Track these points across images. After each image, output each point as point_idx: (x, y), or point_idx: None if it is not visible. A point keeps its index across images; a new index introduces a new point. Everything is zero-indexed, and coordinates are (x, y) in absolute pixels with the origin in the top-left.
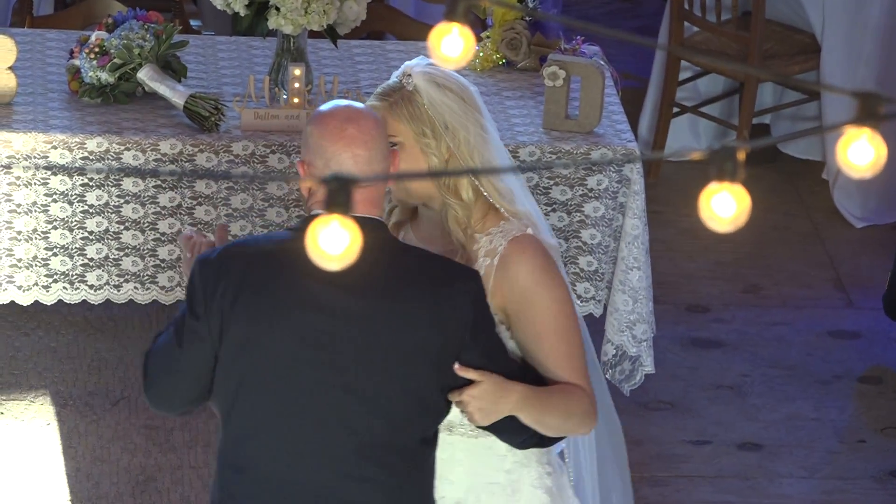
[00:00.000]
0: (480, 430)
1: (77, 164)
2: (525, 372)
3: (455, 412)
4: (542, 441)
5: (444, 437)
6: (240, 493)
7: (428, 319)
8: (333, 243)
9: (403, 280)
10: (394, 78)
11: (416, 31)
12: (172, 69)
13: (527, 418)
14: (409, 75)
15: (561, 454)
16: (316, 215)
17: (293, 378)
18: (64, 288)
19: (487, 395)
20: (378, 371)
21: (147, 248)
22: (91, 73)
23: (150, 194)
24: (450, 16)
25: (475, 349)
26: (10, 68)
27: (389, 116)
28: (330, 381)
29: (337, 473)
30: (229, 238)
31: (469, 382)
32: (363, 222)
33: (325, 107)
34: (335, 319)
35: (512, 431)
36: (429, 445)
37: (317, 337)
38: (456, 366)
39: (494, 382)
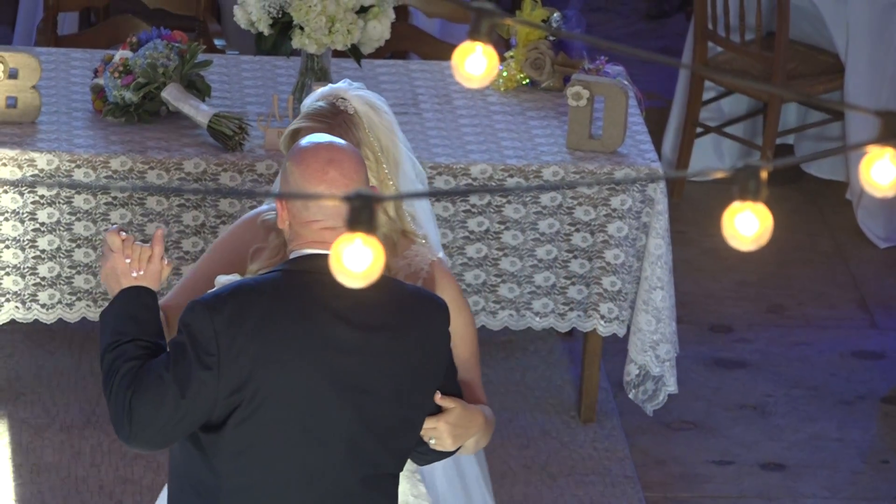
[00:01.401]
0: None
1: (101, 183)
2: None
3: None
4: (442, 456)
5: None
6: None
7: (421, 350)
8: (358, 261)
9: (398, 312)
10: (318, 101)
11: (439, 51)
12: (196, 88)
13: (475, 439)
14: (344, 98)
15: None
16: (300, 257)
17: (314, 419)
18: (87, 306)
19: (461, 420)
20: (386, 404)
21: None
22: (115, 92)
23: (173, 213)
24: (473, 35)
25: (451, 377)
26: (34, 87)
27: None
28: (347, 418)
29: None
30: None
31: (437, 410)
32: None
33: (305, 143)
34: (348, 356)
35: (424, 450)
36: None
37: (333, 375)
38: (438, 395)
39: (464, 407)
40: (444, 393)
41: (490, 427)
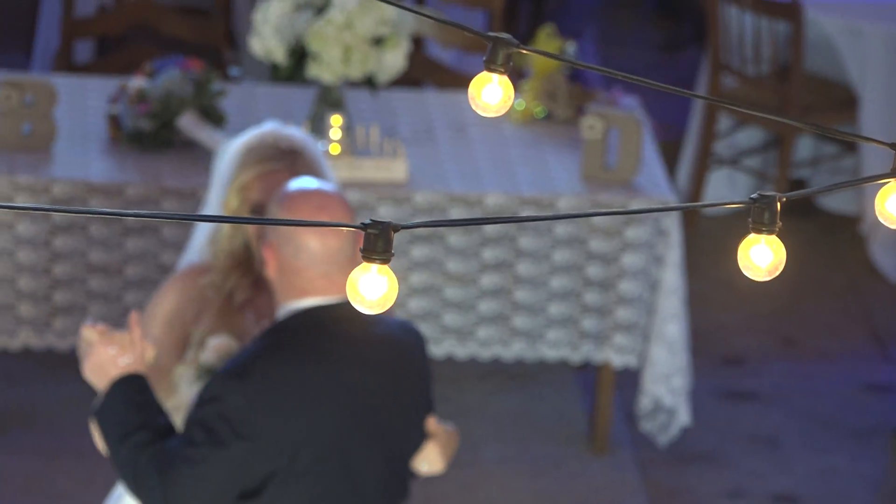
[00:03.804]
0: None
1: (116, 210)
2: None
3: None
4: None
5: None
6: None
7: (419, 379)
8: (373, 289)
9: (395, 348)
10: (259, 147)
11: (454, 81)
12: (211, 117)
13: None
14: (285, 137)
15: None
16: (301, 311)
17: (349, 464)
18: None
19: (448, 441)
20: (404, 436)
21: None
22: (131, 121)
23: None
24: (490, 65)
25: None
26: (50, 115)
27: (290, 178)
28: (377, 457)
29: None
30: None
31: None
32: (348, 307)
33: (293, 188)
34: (368, 397)
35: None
36: None
37: (359, 419)
38: (431, 422)
39: (444, 429)
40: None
41: None
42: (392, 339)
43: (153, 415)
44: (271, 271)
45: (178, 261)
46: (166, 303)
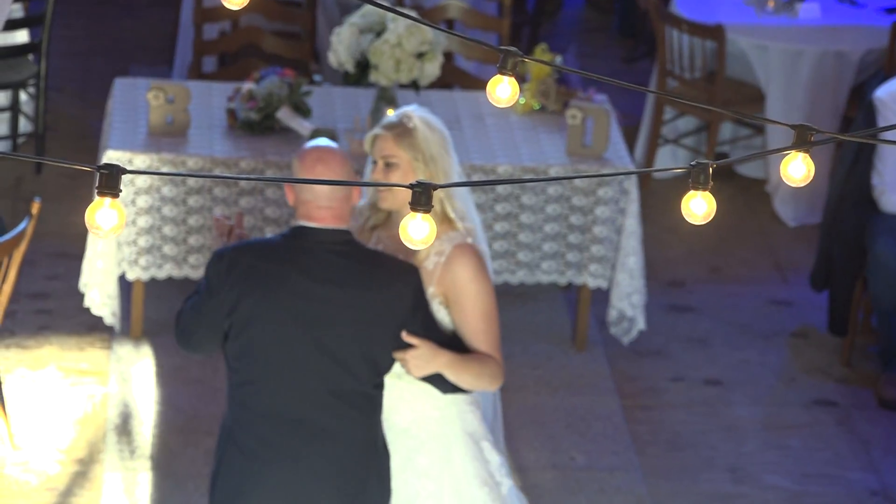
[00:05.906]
0: (421, 380)
1: (232, 175)
2: (453, 341)
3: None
4: (461, 390)
5: (393, 383)
6: (246, 421)
7: (379, 302)
8: (418, 231)
9: (363, 274)
10: (394, 117)
11: (475, 84)
12: (301, 110)
13: (450, 375)
14: (410, 117)
15: None
16: (299, 226)
17: (284, 342)
18: None
19: (423, 356)
20: (343, 339)
21: None
22: (243, 113)
23: (284, 201)
24: (502, 70)
25: (415, 323)
26: (186, 109)
27: (394, 143)
28: (310, 346)
29: (316, 408)
30: (245, 223)
31: (410, 346)
32: (335, 233)
33: (307, 145)
34: (308, 301)
35: (440, 382)
36: (379, 389)
37: (301, 314)
38: (403, 333)
39: (429, 347)
40: (411, 334)
41: (473, 369)
42: (364, 267)
43: None
44: (290, 202)
45: (279, 214)
46: None
